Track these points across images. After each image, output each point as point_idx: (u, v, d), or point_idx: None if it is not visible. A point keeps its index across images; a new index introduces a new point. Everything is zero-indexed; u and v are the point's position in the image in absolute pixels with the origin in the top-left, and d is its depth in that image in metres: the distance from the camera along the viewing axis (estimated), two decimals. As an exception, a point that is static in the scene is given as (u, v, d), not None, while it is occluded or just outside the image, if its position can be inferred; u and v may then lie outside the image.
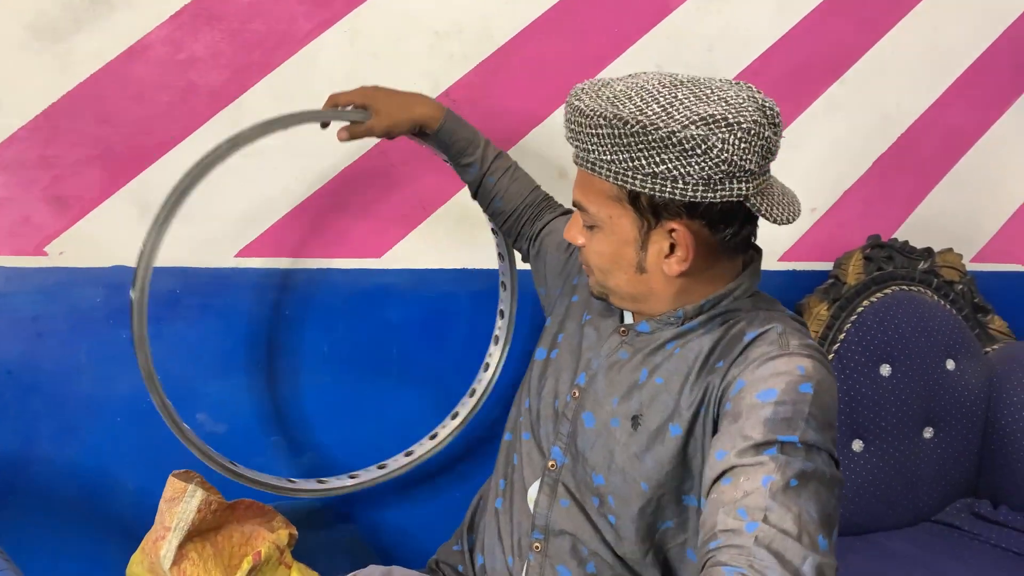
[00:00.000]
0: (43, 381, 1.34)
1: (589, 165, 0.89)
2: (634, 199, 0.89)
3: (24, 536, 1.31)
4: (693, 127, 0.81)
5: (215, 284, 1.42)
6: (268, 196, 1.45)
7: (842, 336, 1.67)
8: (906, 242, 1.83)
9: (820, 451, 0.80)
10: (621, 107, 0.85)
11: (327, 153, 1.48)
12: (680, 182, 0.84)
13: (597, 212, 0.93)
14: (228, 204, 1.43)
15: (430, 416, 1.54)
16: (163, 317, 1.39)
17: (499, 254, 1.44)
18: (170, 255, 1.39)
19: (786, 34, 1.80)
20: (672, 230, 0.89)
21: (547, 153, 1.62)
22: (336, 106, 1.21)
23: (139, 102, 1.38)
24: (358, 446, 1.50)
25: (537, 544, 1.01)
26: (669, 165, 0.83)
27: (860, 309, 1.71)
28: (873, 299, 1.73)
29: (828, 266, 1.80)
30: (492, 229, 1.41)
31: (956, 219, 1.96)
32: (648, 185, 0.85)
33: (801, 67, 1.82)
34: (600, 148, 0.86)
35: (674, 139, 0.82)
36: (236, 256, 1.43)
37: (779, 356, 0.87)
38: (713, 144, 0.81)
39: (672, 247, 0.91)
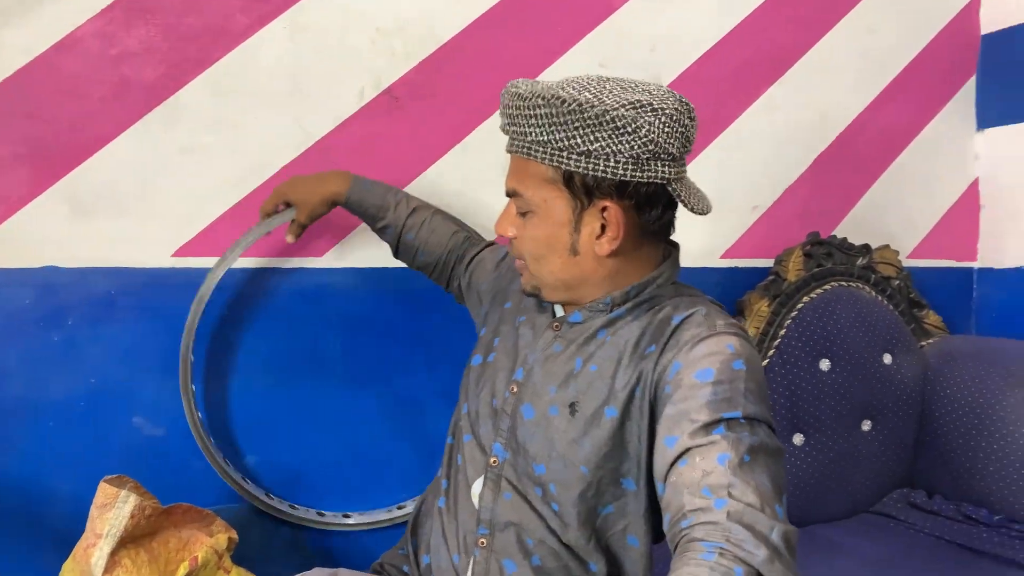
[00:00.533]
0: (-30, 386, 1.30)
1: (525, 149, 0.94)
2: (568, 180, 0.94)
3: (-49, 546, 1.27)
4: (623, 108, 0.89)
5: (152, 285, 1.39)
6: (206, 194, 1.42)
7: (783, 332, 1.70)
8: (844, 239, 1.87)
9: (761, 423, 0.86)
10: (559, 90, 0.91)
11: (266, 150, 1.45)
12: (611, 160, 0.91)
13: (532, 196, 0.96)
14: (164, 202, 1.40)
15: (374, 417, 1.53)
16: (98, 319, 1.35)
17: None
18: (104, 255, 1.37)
19: (727, 35, 1.82)
20: (604, 208, 0.94)
21: (492, 150, 1.61)
22: (267, 216, 1.34)
23: (70, 97, 1.34)
24: (301, 448, 1.49)
25: (483, 540, 1.02)
26: (602, 143, 0.90)
27: (800, 305, 1.74)
28: (813, 295, 1.76)
29: (769, 263, 1.83)
30: None
31: (893, 216, 2.01)
32: (582, 164, 0.91)
33: (742, 68, 1.84)
34: (538, 129, 0.92)
35: (607, 117, 0.89)
36: (173, 256, 1.40)
37: (709, 336, 0.92)
38: (641, 124, 0.89)
39: (603, 228, 0.96)
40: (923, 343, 1.87)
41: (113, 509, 1.05)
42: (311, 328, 1.48)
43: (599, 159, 0.91)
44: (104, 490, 1.06)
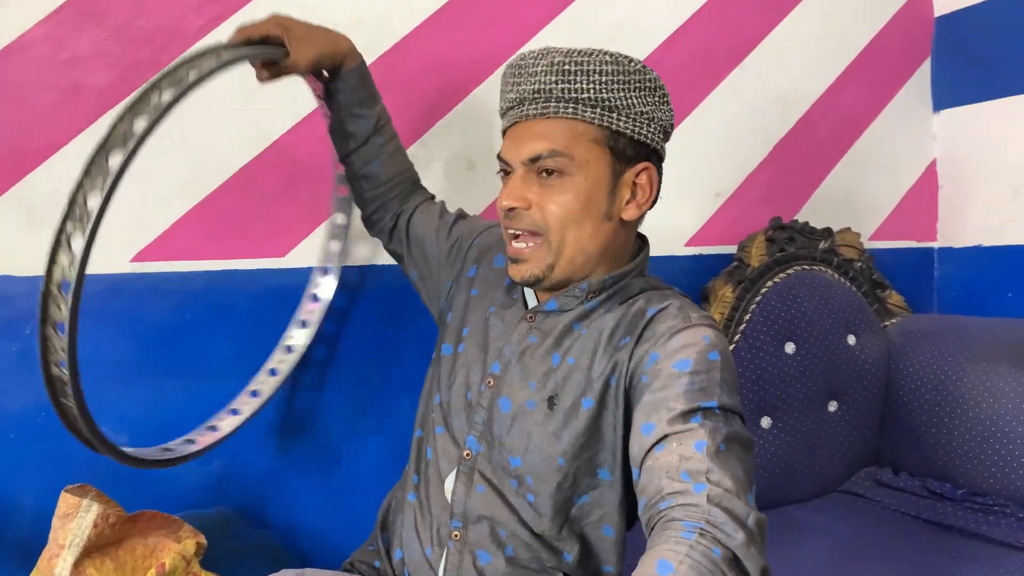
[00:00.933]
0: (-75, 399, 1.28)
1: (571, 109, 0.95)
2: (615, 140, 0.97)
3: (-89, 563, 1.25)
4: (660, 80, 0.99)
5: (110, 291, 1.37)
6: (163, 197, 1.40)
7: (747, 317, 1.71)
8: (806, 223, 1.89)
9: (735, 414, 0.90)
10: (613, 53, 0.97)
11: (222, 152, 1.44)
12: (653, 125, 0.98)
13: (577, 155, 0.96)
14: (120, 206, 1.37)
15: (340, 415, 1.52)
16: (56, 327, 1.33)
17: (333, 237, 1.44)
18: (60, 262, 1.34)
19: (686, 22, 1.83)
20: (640, 172, 0.99)
21: (453, 146, 1.61)
22: (248, 41, 1.05)
23: (19, 104, 1.32)
24: (270, 449, 1.48)
25: (456, 532, 1.02)
26: (651, 108, 0.97)
27: (764, 290, 1.76)
28: (776, 279, 1.78)
29: (733, 249, 1.85)
30: (338, 208, 1.42)
31: (853, 199, 2.04)
32: (631, 126, 0.96)
33: (702, 54, 1.85)
34: (598, 86, 0.94)
35: (656, 84, 0.98)
36: (131, 261, 1.38)
37: (685, 328, 0.94)
38: (669, 100, 1.01)
39: (632, 194, 1.00)
40: (886, 323, 1.90)
41: (76, 519, 1.04)
42: (274, 328, 1.47)
43: (646, 123, 0.97)
44: (66, 499, 1.05)
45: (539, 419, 0.98)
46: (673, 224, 1.82)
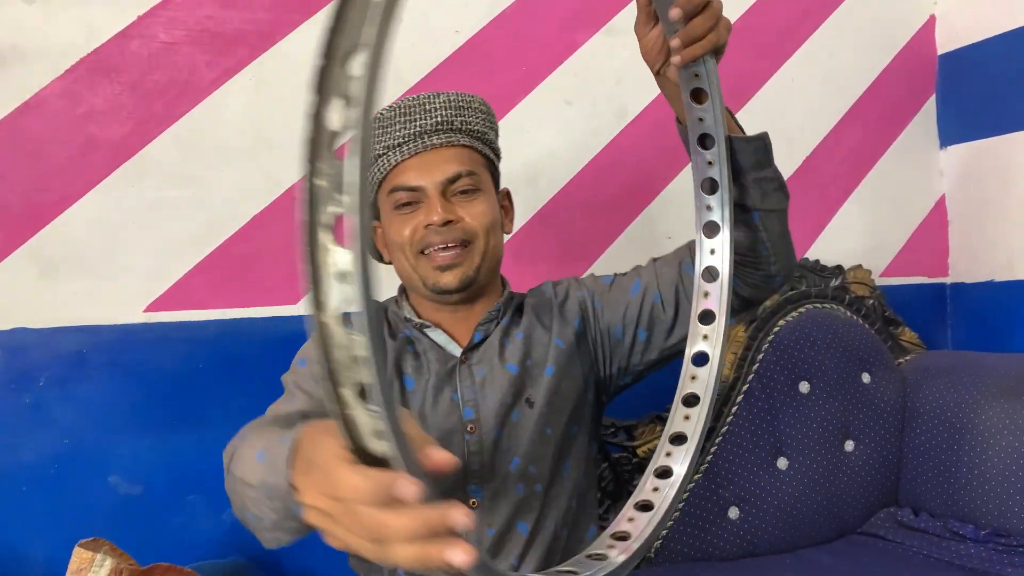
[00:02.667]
0: (-60, 453, 1.28)
1: (467, 139, 1.08)
2: (491, 167, 1.13)
3: (-77, 620, 1.24)
4: None
5: (124, 341, 1.38)
6: (175, 249, 1.42)
7: (760, 356, 1.70)
8: (817, 261, 1.88)
9: None
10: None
11: (234, 202, 1.46)
12: (499, 159, 1.16)
13: (480, 177, 1.09)
14: (135, 258, 1.40)
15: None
16: (70, 378, 1.34)
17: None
18: (75, 313, 1.36)
19: (690, 66, 1.85)
20: (505, 193, 1.18)
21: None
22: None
23: (36, 158, 1.34)
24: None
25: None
26: (499, 145, 1.16)
27: (776, 329, 1.75)
28: (788, 318, 1.77)
29: (744, 288, 1.84)
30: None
31: (863, 236, 2.04)
32: (495, 157, 1.14)
33: (706, 97, 1.87)
34: (480, 121, 1.09)
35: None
36: (145, 311, 1.40)
37: (571, 278, 1.21)
38: None
39: (504, 211, 1.16)
40: (900, 360, 1.88)
41: (89, 574, 1.03)
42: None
43: (499, 156, 1.15)
44: (79, 554, 1.04)
45: (526, 422, 1.07)
46: (683, 264, 1.82)
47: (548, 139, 1.72)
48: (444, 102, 1.07)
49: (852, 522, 1.73)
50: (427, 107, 1.06)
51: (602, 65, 1.77)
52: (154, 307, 1.40)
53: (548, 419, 1.08)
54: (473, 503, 1.05)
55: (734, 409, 1.67)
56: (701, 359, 0.98)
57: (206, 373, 1.42)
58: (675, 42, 0.87)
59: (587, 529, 1.15)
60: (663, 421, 1.65)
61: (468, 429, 1.06)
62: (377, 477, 0.50)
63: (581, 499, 1.13)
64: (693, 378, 0.96)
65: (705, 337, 0.98)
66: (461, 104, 1.08)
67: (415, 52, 1.60)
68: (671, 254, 1.13)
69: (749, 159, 0.99)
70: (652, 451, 1.63)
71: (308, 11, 1.52)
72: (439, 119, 1.05)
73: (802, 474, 1.67)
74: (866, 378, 1.77)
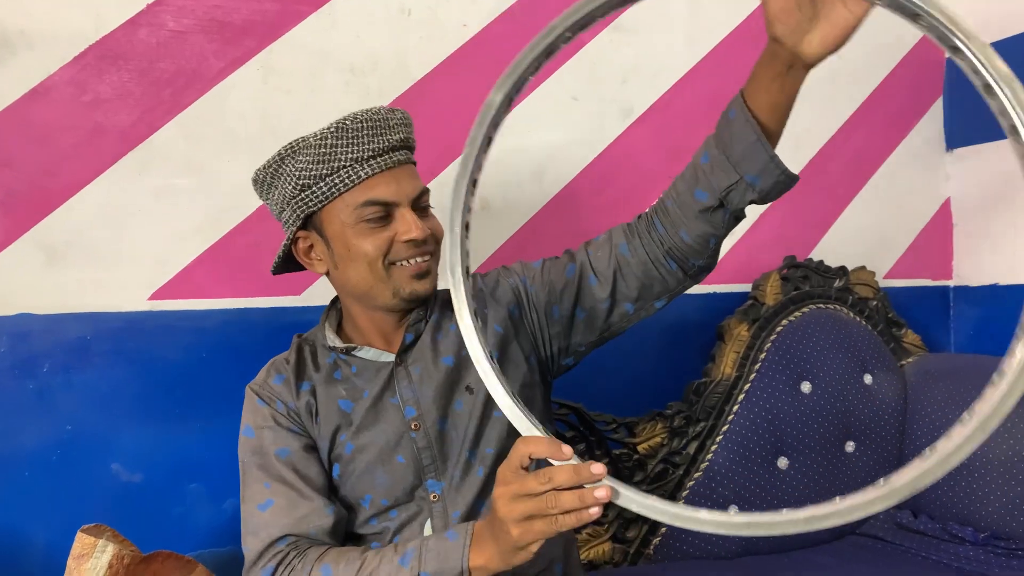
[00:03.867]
0: (-57, 437, 1.28)
1: (411, 156, 1.10)
2: None
3: (-76, 602, 1.24)
4: None
5: (128, 329, 1.38)
6: (182, 237, 1.42)
7: (763, 356, 1.71)
8: (821, 261, 1.88)
9: None
10: None
11: (240, 192, 1.45)
12: None
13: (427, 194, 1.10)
14: (140, 246, 1.40)
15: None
16: (73, 365, 1.35)
17: None
18: (79, 301, 1.36)
19: (696, 65, 1.85)
20: None
21: (467, 185, 1.63)
22: None
23: (43, 144, 1.34)
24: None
25: None
26: None
27: (779, 328, 1.75)
28: (791, 318, 1.77)
29: (747, 288, 1.84)
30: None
31: (868, 237, 2.03)
32: None
33: (712, 95, 1.86)
34: (412, 140, 1.11)
35: None
36: (149, 299, 1.40)
37: (500, 267, 1.21)
38: None
39: None
40: (903, 362, 1.88)
41: (91, 559, 1.03)
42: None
43: None
44: (81, 540, 1.04)
45: (472, 410, 1.09)
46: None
47: (554, 135, 1.72)
48: (401, 119, 1.08)
49: (851, 523, 1.73)
50: (390, 123, 1.06)
51: (609, 62, 1.77)
52: (159, 295, 1.40)
53: (493, 401, 1.05)
54: (434, 497, 1.07)
55: (735, 408, 1.67)
56: None
57: (209, 363, 1.42)
58: None
59: None
60: (664, 418, 1.66)
61: (412, 427, 1.08)
62: (567, 467, 0.80)
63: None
64: None
65: None
66: (408, 122, 1.10)
67: (423, 46, 1.60)
68: (603, 237, 1.13)
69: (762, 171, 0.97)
70: (653, 448, 1.64)
71: (316, 2, 1.52)
72: (401, 136, 1.07)
73: (802, 474, 1.67)
74: (868, 379, 1.77)
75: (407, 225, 1.04)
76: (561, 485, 0.79)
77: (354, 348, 1.11)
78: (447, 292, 1.16)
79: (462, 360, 1.11)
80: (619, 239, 1.10)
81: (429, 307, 1.14)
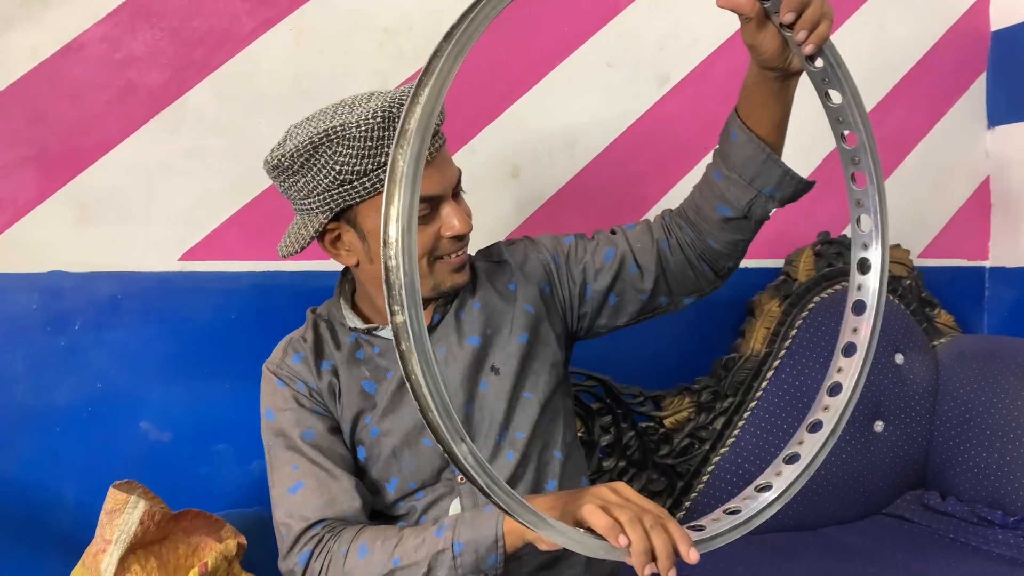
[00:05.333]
0: (-24, 392, 1.30)
1: (444, 137, 1.03)
2: None
3: (-42, 553, 1.26)
4: None
5: (158, 289, 1.38)
6: (213, 198, 1.42)
7: (794, 332, 1.68)
8: (855, 238, 1.85)
9: None
10: None
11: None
12: None
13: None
14: (171, 207, 1.40)
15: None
16: (104, 323, 1.35)
17: None
18: (110, 259, 1.36)
19: (735, 33, 1.81)
20: None
21: (501, 150, 1.61)
22: None
23: (75, 102, 1.34)
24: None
25: None
26: None
27: (811, 305, 1.72)
28: (824, 295, 1.75)
29: (779, 263, 1.82)
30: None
31: (903, 215, 1.99)
32: None
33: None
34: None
35: None
36: (180, 260, 1.40)
37: (526, 238, 1.18)
38: None
39: None
40: (935, 343, 1.85)
41: (122, 515, 1.04)
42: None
43: None
44: (113, 496, 1.05)
45: (499, 389, 1.05)
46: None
47: (587, 102, 1.69)
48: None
49: (877, 503, 1.72)
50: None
51: (646, 28, 1.73)
52: (189, 256, 1.40)
53: (523, 383, 1.07)
54: (462, 479, 1.04)
55: (763, 384, 1.66)
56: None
57: (238, 324, 1.42)
58: (800, 34, 0.84)
59: (579, 480, 1.15)
60: (691, 392, 1.64)
61: None
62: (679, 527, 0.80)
63: (568, 451, 1.12)
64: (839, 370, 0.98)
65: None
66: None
67: (458, 7, 1.56)
68: (640, 228, 1.11)
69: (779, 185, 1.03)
70: (680, 422, 1.62)
71: (350, -38, 1.50)
72: (440, 120, 1.02)
73: (830, 452, 1.64)
74: (899, 359, 1.75)
75: (453, 220, 0.99)
76: (667, 527, 0.78)
77: (376, 328, 1.07)
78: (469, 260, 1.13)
79: (487, 339, 1.08)
80: (659, 234, 1.10)
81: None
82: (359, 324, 1.07)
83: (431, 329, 1.07)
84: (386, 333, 1.07)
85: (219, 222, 1.42)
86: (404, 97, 0.96)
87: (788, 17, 0.84)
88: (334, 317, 1.12)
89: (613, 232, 1.14)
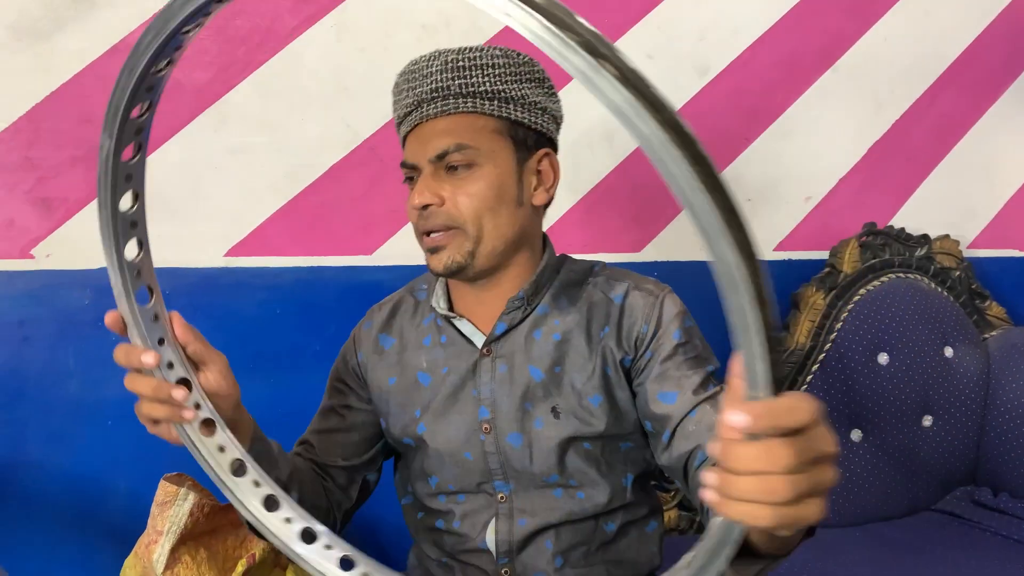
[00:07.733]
0: (30, 386, 1.33)
1: (471, 103, 0.95)
2: (515, 130, 0.97)
3: (15, 542, 1.30)
4: (546, 73, 1.00)
5: (204, 284, 1.40)
6: (257, 195, 1.43)
7: (839, 325, 1.66)
8: (902, 229, 1.81)
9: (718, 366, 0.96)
10: (502, 48, 0.98)
11: (313, 150, 1.46)
12: (547, 115, 1.00)
13: (481, 147, 0.95)
14: (216, 204, 1.42)
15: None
16: (152, 319, 1.37)
17: None
18: (159, 256, 1.36)
19: (777, 22, 1.78)
20: (544, 155, 1.00)
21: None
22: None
23: (123, 101, 1.36)
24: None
25: (505, 569, 1.00)
26: (543, 98, 0.99)
27: (857, 298, 1.70)
28: (870, 287, 1.72)
29: (824, 255, 1.79)
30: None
31: (952, 205, 1.95)
32: (528, 116, 0.97)
33: (793, 55, 1.80)
34: (491, 80, 0.95)
35: (544, 76, 1.00)
36: (225, 256, 1.42)
37: (659, 298, 0.99)
38: (555, 90, 1.02)
39: (538, 180, 1.00)
40: (986, 335, 1.81)
41: (173, 506, 1.06)
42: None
43: (540, 112, 0.98)
44: (164, 487, 1.07)
45: (552, 432, 0.97)
46: (761, 228, 1.77)
47: (627, 95, 1.68)
48: (441, 65, 0.95)
49: (926, 499, 1.69)
50: (423, 72, 0.95)
51: (686, 19, 1.71)
52: (234, 252, 1.42)
53: (583, 435, 0.97)
54: (502, 497, 1.00)
55: (808, 378, 1.64)
56: None
57: (282, 319, 1.44)
58: (708, 493, 0.54)
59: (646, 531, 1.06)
60: (734, 387, 1.62)
61: (484, 429, 0.99)
62: None
63: (628, 513, 1.03)
64: None
65: None
66: (462, 64, 0.95)
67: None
68: (694, 433, 0.91)
69: None
70: (722, 416, 1.61)
71: (390, -41, 1.50)
72: (434, 85, 0.94)
73: (876, 447, 1.63)
74: (949, 352, 1.71)
75: (412, 192, 0.96)
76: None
77: (454, 317, 1.02)
78: (562, 262, 1.05)
79: (554, 376, 0.98)
80: (695, 461, 0.91)
81: (536, 295, 1.01)
82: (443, 308, 1.03)
83: (496, 339, 1.00)
84: (462, 326, 1.02)
85: (263, 218, 1.43)
86: (411, 62, 0.98)
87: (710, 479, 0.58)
88: (429, 291, 1.07)
89: (684, 422, 0.93)
